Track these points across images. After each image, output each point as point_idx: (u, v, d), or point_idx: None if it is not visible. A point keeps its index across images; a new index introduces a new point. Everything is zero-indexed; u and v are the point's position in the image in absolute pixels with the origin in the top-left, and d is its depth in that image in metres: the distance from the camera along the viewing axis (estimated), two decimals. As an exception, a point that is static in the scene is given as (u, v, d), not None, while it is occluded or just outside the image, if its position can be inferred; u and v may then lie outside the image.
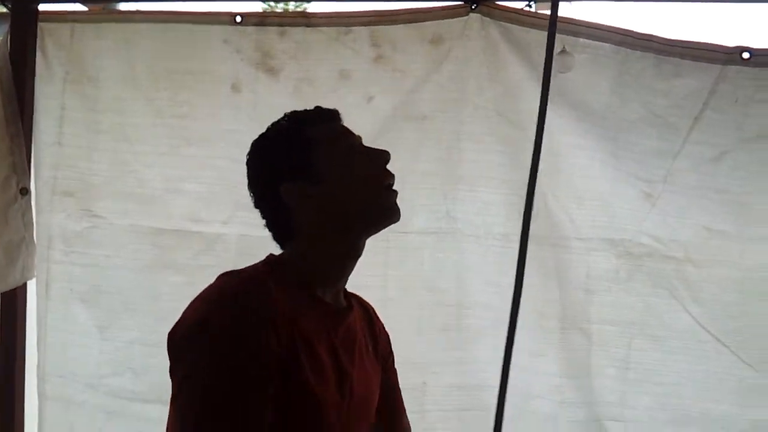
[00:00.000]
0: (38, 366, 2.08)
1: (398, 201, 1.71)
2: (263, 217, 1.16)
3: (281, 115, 1.86)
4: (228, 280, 1.04)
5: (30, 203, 2.00)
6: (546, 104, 1.57)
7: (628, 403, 1.84)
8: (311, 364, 1.02)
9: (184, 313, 1.00)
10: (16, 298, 2.02)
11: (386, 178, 1.16)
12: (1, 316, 2.01)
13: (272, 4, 4.31)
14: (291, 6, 4.26)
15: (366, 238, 1.17)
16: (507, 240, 1.82)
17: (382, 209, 1.14)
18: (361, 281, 1.88)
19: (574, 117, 1.77)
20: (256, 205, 1.16)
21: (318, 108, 1.18)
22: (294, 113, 1.17)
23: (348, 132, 1.18)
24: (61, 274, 2.02)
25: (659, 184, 1.75)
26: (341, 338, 1.11)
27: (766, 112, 1.69)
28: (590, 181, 1.80)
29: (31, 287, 2.07)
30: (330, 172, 1.11)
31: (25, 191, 2.03)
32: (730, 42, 1.72)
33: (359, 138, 1.18)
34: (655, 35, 1.70)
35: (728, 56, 1.68)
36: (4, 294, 2.01)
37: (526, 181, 1.80)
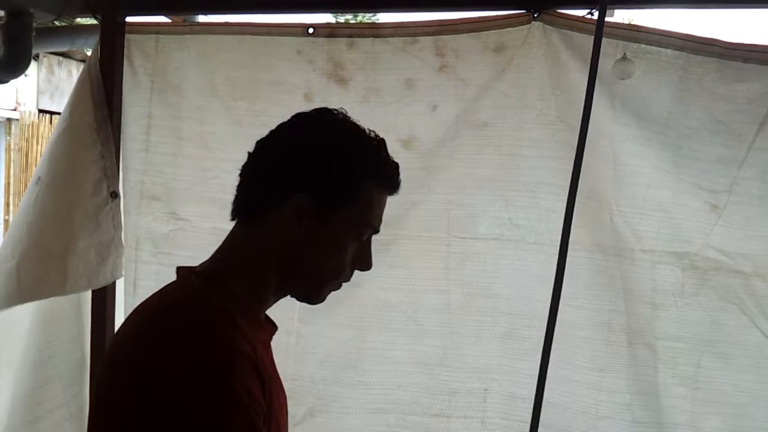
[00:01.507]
0: None
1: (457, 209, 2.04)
2: (248, 182, 1.19)
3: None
4: (202, 313, 1.06)
5: (119, 206, 2.34)
6: (590, 110, 1.73)
7: (698, 425, 1.97)
8: (276, 403, 1.10)
9: (159, 344, 1.02)
10: (105, 296, 2.37)
11: (346, 279, 1.23)
12: (93, 313, 2.38)
13: (344, 16, 4.70)
14: (360, 17, 4.65)
15: (283, 297, 1.22)
16: (570, 248, 1.92)
17: (318, 294, 1.23)
18: (421, 285, 2.22)
19: (637, 125, 1.92)
20: (254, 170, 1.19)
21: (396, 170, 1.21)
22: (377, 147, 1.19)
23: (380, 217, 1.22)
24: (148, 273, 2.39)
25: (724, 194, 1.88)
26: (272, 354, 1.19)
27: None
28: (654, 191, 1.94)
29: (119, 286, 2.44)
30: (337, 229, 1.16)
31: (115, 195, 2.41)
32: None
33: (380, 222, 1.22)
34: (717, 39, 1.82)
35: None
36: (95, 292, 2.37)
37: (589, 188, 2.02)
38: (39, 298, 2.29)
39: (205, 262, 1.21)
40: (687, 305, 1.98)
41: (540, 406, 1.79)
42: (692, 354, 1.98)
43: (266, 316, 1.24)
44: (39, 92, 6.22)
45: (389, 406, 2.17)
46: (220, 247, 1.22)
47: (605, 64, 1.94)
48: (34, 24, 2.50)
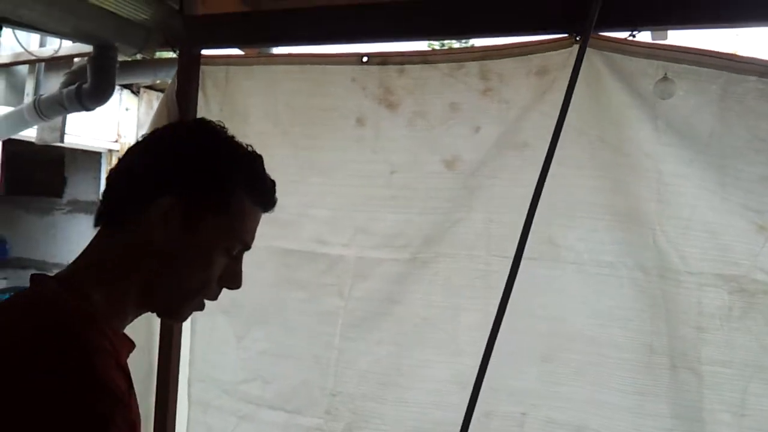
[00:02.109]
0: (189, 371, 2.69)
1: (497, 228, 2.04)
2: (114, 185, 1.12)
3: (398, 147, 2.31)
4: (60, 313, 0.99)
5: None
6: (562, 125, 1.76)
7: (746, 454, 1.86)
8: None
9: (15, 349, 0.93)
10: None
11: (212, 296, 1.15)
12: (161, 326, 2.49)
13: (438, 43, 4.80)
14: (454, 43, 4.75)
15: (143, 312, 1.14)
16: (612, 268, 1.96)
17: (179, 311, 1.15)
18: (460, 303, 2.23)
19: (680, 144, 1.89)
20: (121, 173, 1.12)
21: (271, 187, 1.19)
22: (251, 158, 1.18)
23: (253, 234, 1.17)
24: None
25: (771, 214, 1.79)
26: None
27: None
28: (698, 212, 1.89)
29: None
30: (205, 238, 1.10)
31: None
32: None
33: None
34: (756, 57, 1.79)
35: None
36: None
37: (631, 207, 1.99)
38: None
39: (64, 270, 1.11)
40: (734, 329, 1.90)
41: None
42: (739, 379, 1.89)
43: (124, 333, 1.11)
44: (138, 125, 6.61)
45: (427, 426, 2.17)
46: (81, 254, 1.12)
47: (647, 85, 1.93)
48: (119, 57, 2.70)
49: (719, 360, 1.90)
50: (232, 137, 1.18)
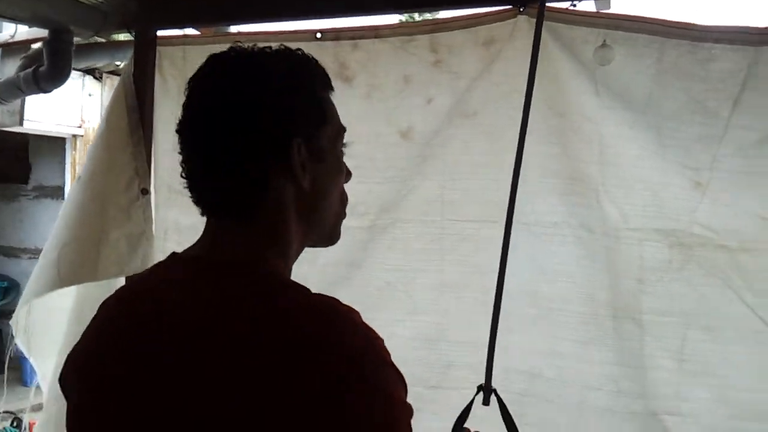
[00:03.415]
0: None
1: (450, 194, 2.09)
2: (222, 173, 1.01)
3: (356, 119, 2.33)
4: (347, 309, 0.97)
5: (150, 202, 2.46)
6: (531, 92, 1.81)
7: (685, 397, 1.95)
8: None
9: (361, 338, 0.93)
10: None
11: (347, 200, 1.14)
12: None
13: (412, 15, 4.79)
14: (416, 16, 4.74)
15: (301, 251, 1.10)
16: (556, 227, 2.03)
17: (338, 231, 1.13)
18: (418, 266, 2.27)
19: (621, 108, 1.94)
20: (220, 153, 1.00)
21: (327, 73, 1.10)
22: (313, 59, 1.08)
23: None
24: None
25: (706, 171, 1.87)
26: None
27: None
28: (640, 172, 1.95)
29: None
30: (328, 152, 1.06)
31: (145, 191, 2.55)
32: (763, 23, 1.82)
33: None
34: (689, 23, 1.84)
35: (761, 37, 1.79)
36: (128, 280, 2.66)
37: (575, 170, 2.05)
38: (74, 284, 2.43)
39: (216, 255, 1.03)
40: (673, 280, 1.98)
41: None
42: (678, 327, 1.97)
43: None
44: (102, 110, 6.53)
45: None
46: (222, 240, 1.04)
47: (587, 52, 1.97)
48: (75, 40, 2.66)
49: (659, 309, 1.98)
50: (294, 50, 1.08)
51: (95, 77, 6.88)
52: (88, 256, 2.38)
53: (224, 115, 1.01)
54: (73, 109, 6.86)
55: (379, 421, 0.88)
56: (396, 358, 2.23)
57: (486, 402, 1.81)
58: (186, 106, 1.05)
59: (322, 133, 1.06)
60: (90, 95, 6.96)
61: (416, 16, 4.60)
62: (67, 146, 7.39)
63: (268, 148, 1.01)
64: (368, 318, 2.41)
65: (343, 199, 1.14)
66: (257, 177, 1.01)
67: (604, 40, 1.94)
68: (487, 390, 1.79)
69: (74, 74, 6.44)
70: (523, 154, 1.84)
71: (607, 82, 1.97)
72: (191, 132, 1.05)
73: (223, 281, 0.97)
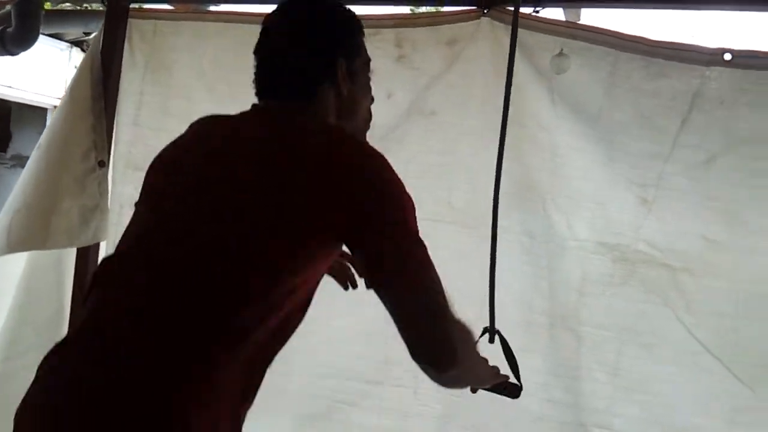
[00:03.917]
0: None
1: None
2: (291, 60, 1.34)
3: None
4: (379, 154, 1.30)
5: (106, 175, 2.47)
6: (509, 101, 1.78)
7: (617, 411, 1.98)
8: None
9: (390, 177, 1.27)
10: (88, 255, 2.50)
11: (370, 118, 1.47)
12: (76, 269, 2.52)
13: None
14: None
15: None
16: (502, 232, 2.02)
17: (364, 136, 1.45)
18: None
19: (572, 119, 1.96)
20: (295, 47, 1.34)
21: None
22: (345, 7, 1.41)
23: None
24: None
25: (653, 188, 1.90)
26: None
27: (753, 115, 1.81)
28: (588, 184, 1.97)
29: (103, 247, 2.52)
30: (360, 79, 1.41)
31: (102, 164, 2.54)
32: (714, 44, 1.85)
33: None
34: (643, 37, 1.87)
35: (711, 57, 1.82)
36: (80, 252, 2.51)
37: (525, 177, 2.05)
38: (23, 250, 2.44)
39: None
40: (614, 295, 2.00)
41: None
42: (615, 342, 1.99)
43: None
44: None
45: (330, 371, 2.23)
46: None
47: (546, 59, 1.99)
48: (46, 5, 2.66)
49: (599, 323, 2.00)
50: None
51: (83, 50, 6.86)
52: (38, 224, 2.38)
53: (295, 33, 1.37)
54: (57, 81, 6.85)
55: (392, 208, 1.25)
56: (334, 351, 2.26)
57: (491, 341, 1.84)
58: (264, 30, 1.42)
59: (357, 59, 1.41)
60: (76, 67, 6.94)
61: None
62: (48, 117, 7.38)
63: (322, 60, 1.35)
64: (310, 310, 2.41)
65: (369, 114, 1.48)
66: (313, 75, 1.35)
67: (562, 49, 1.96)
68: (491, 331, 1.82)
69: (62, 45, 6.41)
70: (503, 160, 1.83)
71: (562, 92, 1.99)
72: (270, 40, 1.40)
73: (290, 117, 1.32)
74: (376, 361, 2.19)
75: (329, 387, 2.25)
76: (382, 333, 2.20)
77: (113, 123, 2.59)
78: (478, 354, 1.42)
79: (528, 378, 2.04)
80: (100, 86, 2.51)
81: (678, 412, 1.96)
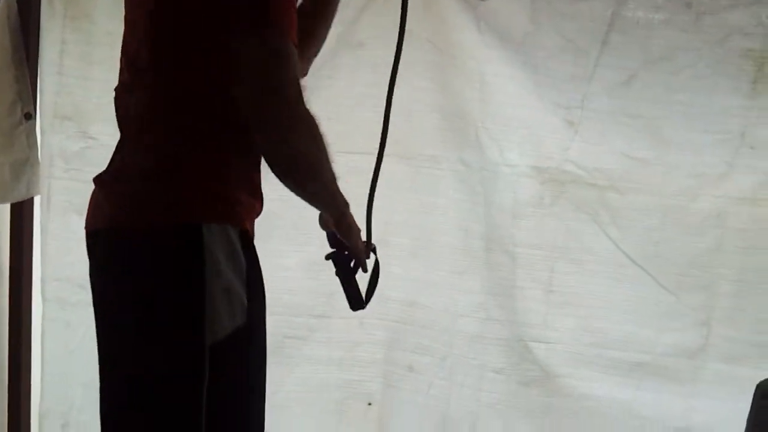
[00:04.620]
0: (41, 271, 2.68)
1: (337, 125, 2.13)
2: None
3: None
4: None
5: (34, 127, 2.44)
6: (404, 29, 1.76)
7: (552, 325, 2.13)
8: None
9: None
10: (22, 211, 2.49)
11: None
12: (11, 227, 2.50)
13: None
14: None
15: None
16: (435, 161, 2.13)
17: None
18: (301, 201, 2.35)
19: (499, 46, 2.03)
20: None
21: None
22: None
23: None
24: (60, 188, 2.48)
25: (578, 110, 2.00)
26: None
27: (668, 33, 1.91)
28: (517, 110, 2.07)
29: (37, 201, 2.52)
30: None
31: (29, 116, 2.52)
32: None
33: None
34: None
35: None
36: (14, 207, 2.49)
37: (456, 106, 2.12)
38: (-46, 209, 2.42)
39: None
40: (545, 215, 2.11)
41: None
42: (547, 260, 2.12)
43: None
44: None
45: (279, 309, 2.31)
46: None
47: (473, -11, 2.05)
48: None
49: (531, 243, 2.12)
50: None
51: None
52: (-31, 183, 2.38)
53: None
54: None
55: None
56: (282, 288, 2.33)
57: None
58: None
59: None
60: None
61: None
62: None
63: None
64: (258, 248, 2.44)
65: None
66: None
67: (485, -25, 2.01)
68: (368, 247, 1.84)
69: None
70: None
71: (488, 20, 2.05)
72: None
73: None
74: (322, 295, 2.28)
75: (278, 324, 2.34)
76: (326, 265, 2.30)
77: (36, 73, 2.56)
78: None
79: (466, 299, 2.17)
80: (19, 35, 2.46)
81: (610, 322, 2.11)
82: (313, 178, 1.41)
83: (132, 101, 1.36)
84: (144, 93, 1.32)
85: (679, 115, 1.98)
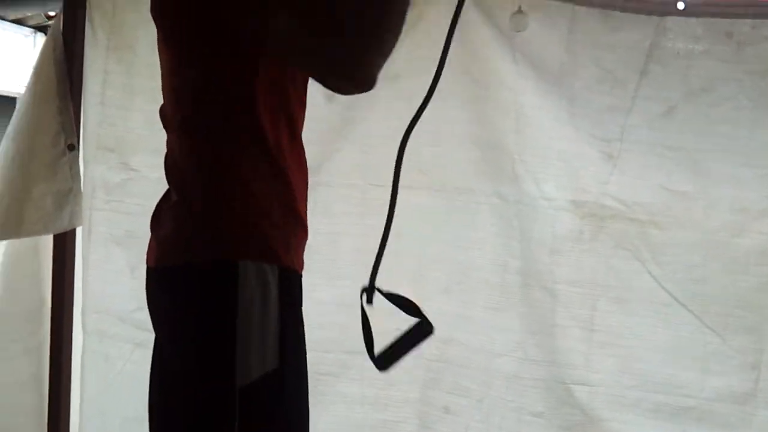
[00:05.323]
0: (82, 302, 2.65)
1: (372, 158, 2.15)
2: None
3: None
4: None
5: (77, 157, 2.53)
6: (444, 62, 1.71)
7: (593, 367, 2.09)
8: None
9: None
10: (65, 242, 2.58)
11: None
12: (54, 257, 2.59)
13: None
14: None
15: None
16: (471, 194, 2.14)
17: None
18: (339, 230, 2.37)
19: (535, 77, 2.03)
20: None
21: None
22: None
23: None
24: (101, 219, 2.58)
25: (617, 142, 1.98)
26: None
27: (708, 64, 1.89)
28: (554, 142, 2.05)
29: (79, 232, 2.63)
30: None
31: (72, 147, 2.61)
32: None
33: None
34: None
35: (664, 7, 1.89)
36: (57, 238, 2.58)
37: (492, 138, 2.12)
38: (-2, 240, 2.52)
39: None
40: (584, 251, 2.09)
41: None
42: (588, 298, 2.08)
43: None
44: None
45: (311, 344, 2.33)
46: None
47: (504, 18, 2.06)
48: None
49: (570, 280, 2.09)
50: None
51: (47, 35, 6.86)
52: (11, 213, 2.46)
53: None
54: (24, 68, 6.85)
55: None
56: (314, 323, 2.35)
57: (369, 300, 1.88)
58: None
59: None
60: (40, 52, 6.94)
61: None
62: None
63: None
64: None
65: None
66: None
67: (520, 6, 2.02)
68: (370, 290, 1.74)
69: (25, 31, 6.39)
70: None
71: (523, 50, 2.05)
72: None
73: None
74: (356, 331, 2.29)
75: (311, 360, 2.36)
76: (359, 303, 2.31)
77: (80, 104, 2.66)
78: None
79: (503, 338, 2.16)
80: (64, 67, 2.56)
81: (653, 364, 2.06)
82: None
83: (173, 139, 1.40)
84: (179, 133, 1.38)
85: (719, 148, 1.95)
